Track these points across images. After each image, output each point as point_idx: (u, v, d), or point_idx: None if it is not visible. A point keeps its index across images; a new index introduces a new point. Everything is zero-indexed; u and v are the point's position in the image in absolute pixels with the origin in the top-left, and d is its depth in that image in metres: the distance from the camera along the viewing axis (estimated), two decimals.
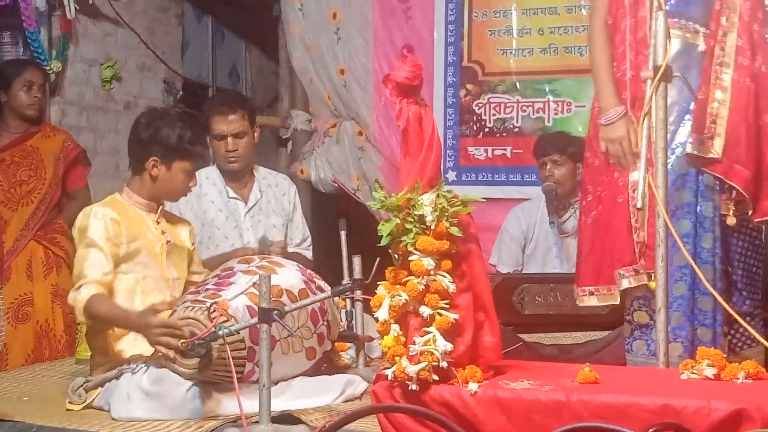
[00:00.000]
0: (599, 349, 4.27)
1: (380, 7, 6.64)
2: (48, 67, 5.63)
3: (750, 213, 3.72)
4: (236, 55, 7.76)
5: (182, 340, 3.69)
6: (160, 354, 3.73)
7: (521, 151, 6.20)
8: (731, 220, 3.72)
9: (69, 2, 5.74)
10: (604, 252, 3.88)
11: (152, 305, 3.91)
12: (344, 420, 2.33)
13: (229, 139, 4.92)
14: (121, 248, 4.09)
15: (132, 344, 3.98)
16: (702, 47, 3.84)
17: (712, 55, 3.77)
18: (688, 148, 3.76)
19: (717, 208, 3.76)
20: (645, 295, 3.79)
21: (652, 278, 3.68)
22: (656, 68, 3.49)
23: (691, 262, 3.61)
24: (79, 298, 3.93)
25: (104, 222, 4.07)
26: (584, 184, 4.08)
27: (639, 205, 3.54)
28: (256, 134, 5.12)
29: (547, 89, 6.29)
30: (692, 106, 3.82)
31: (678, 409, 2.72)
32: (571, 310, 4.66)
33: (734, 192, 3.70)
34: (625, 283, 3.79)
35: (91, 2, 5.98)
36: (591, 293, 3.92)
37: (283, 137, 7.04)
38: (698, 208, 3.79)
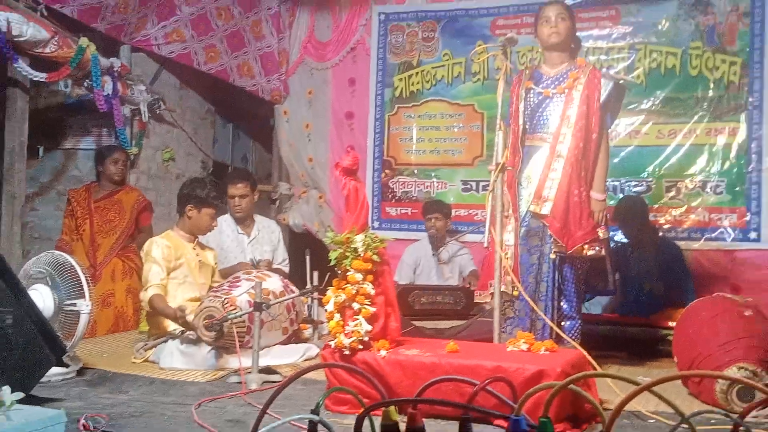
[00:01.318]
0: (459, 332, 4.26)
1: (335, 122, 6.65)
2: (129, 151, 5.57)
3: (566, 249, 3.73)
4: (246, 147, 7.70)
5: (205, 320, 3.66)
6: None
7: (417, 211, 6.21)
8: (553, 256, 3.73)
9: (144, 112, 5.70)
10: (490, 271, 3.82)
11: (180, 306, 3.86)
12: (303, 371, 2.31)
13: (237, 199, 4.92)
14: (171, 263, 4.09)
15: (174, 323, 3.92)
16: (548, 148, 3.85)
17: (554, 151, 3.80)
18: (531, 207, 3.77)
19: (551, 248, 3.75)
20: (511, 299, 3.75)
21: (514, 290, 3.71)
22: (497, 164, 3.55)
23: (519, 286, 3.63)
24: (147, 295, 3.96)
25: (161, 247, 4.08)
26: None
27: (485, 245, 3.56)
28: (255, 196, 5.13)
29: (432, 174, 6.32)
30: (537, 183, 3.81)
31: (505, 369, 2.74)
32: (441, 307, 4.67)
33: (553, 237, 3.74)
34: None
35: (158, 112, 5.94)
36: (481, 293, 3.93)
37: (273, 198, 6.99)
38: (542, 247, 3.77)
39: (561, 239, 3.70)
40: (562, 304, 3.79)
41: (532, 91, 3.92)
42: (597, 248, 3.77)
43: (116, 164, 5.24)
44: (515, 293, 3.70)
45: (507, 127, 3.95)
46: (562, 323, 3.78)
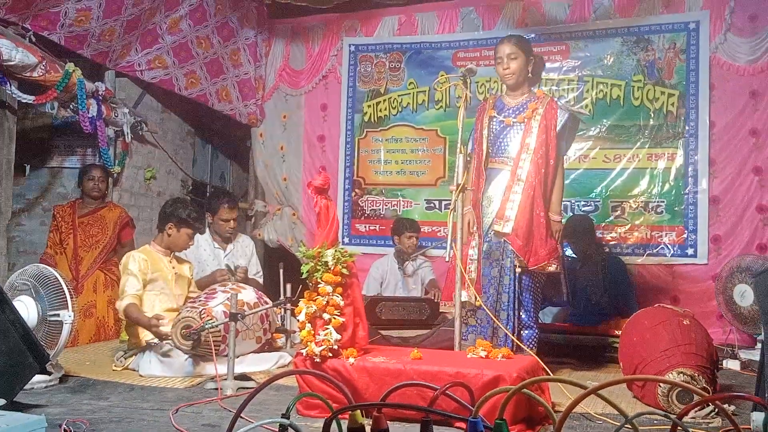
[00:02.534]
0: (422, 341, 4.27)
1: (307, 144, 6.65)
2: (112, 170, 5.50)
3: (528, 265, 3.75)
4: (224, 167, 7.64)
5: (183, 330, 3.61)
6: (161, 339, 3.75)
7: (384, 227, 6.23)
8: (518, 270, 3.76)
9: (127, 133, 5.63)
10: (452, 283, 3.86)
11: (156, 315, 3.82)
12: (276, 377, 2.28)
13: (231, 222, 4.91)
14: (147, 276, 4.02)
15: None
16: (508, 171, 3.88)
17: (514, 174, 3.83)
18: (494, 227, 3.80)
19: (512, 262, 3.77)
20: (472, 309, 3.76)
21: (476, 300, 3.71)
22: (458, 185, 3.57)
23: (479, 298, 3.65)
24: (122, 304, 3.90)
25: (138, 261, 4.02)
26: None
27: (447, 259, 3.56)
28: None
29: (399, 194, 6.34)
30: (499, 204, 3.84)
31: (465, 374, 2.74)
32: (407, 317, 4.66)
33: (515, 253, 3.76)
34: (463, 297, 3.70)
35: (141, 134, 5.86)
36: (446, 304, 3.92)
37: (249, 215, 6.94)
38: (502, 261, 3.79)
39: (523, 256, 3.73)
40: (521, 314, 3.81)
41: (494, 119, 3.96)
42: (555, 265, 3.82)
43: (93, 181, 5.18)
44: (478, 303, 3.71)
45: (470, 152, 3.99)
46: (522, 332, 3.80)
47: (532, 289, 3.83)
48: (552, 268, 3.80)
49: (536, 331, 3.86)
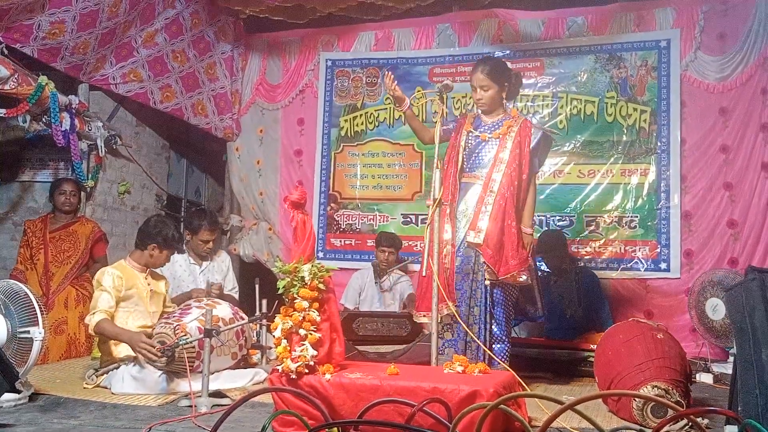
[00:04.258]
0: (399, 356, 4.25)
1: (284, 158, 6.63)
2: (85, 183, 5.44)
3: (498, 275, 3.78)
4: (200, 182, 7.58)
5: (157, 346, 3.56)
6: (141, 357, 3.64)
7: (360, 242, 6.23)
8: (487, 282, 3.79)
9: (101, 146, 5.58)
10: (428, 295, 3.81)
11: (143, 330, 3.77)
12: (251, 395, 2.26)
13: (210, 243, 4.88)
14: (121, 293, 3.95)
15: (125, 349, 3.79)
16: (481, 185, 3.93)
17: (487, 186, 3.88)
18: (467, 238, 3.82)
19: (484, 275, 3.80)
20: (450, 322, 3.76)
21: (446, 310, 3.70)
22: (434, 199, 3.59)
23: (454, 310, 3.65)
24: (93, 319, 3.80)
25: (112, 277, 3.95)
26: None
27: (423, 273, 3.56)
28: None
29: (375, 208, 6.34)
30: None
31: (442, 390, 2.73)
32: (384, 333, 4.64)
33: (486, 264, 3.78)
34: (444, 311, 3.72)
35: (115, 147, 5.81)
36: (424, 315, 3.90)
37: (225, 230, 6.89)
38: (475, 275, 3.81)
39: (493, 266, 3.76)
40: (493, 327, 3.82)
41: (470, 134, 4.01)
42: (526, 276, 3.85)
43: (64, 195, 5.11)
44: (447, 313, 3.70)
45: (443, 165, 4.02)
46: (493, 346, 3.81)
47: (504, 303, 3.86)
48: (522, 279, 3.83)
49: (508, 345, 3.88)
